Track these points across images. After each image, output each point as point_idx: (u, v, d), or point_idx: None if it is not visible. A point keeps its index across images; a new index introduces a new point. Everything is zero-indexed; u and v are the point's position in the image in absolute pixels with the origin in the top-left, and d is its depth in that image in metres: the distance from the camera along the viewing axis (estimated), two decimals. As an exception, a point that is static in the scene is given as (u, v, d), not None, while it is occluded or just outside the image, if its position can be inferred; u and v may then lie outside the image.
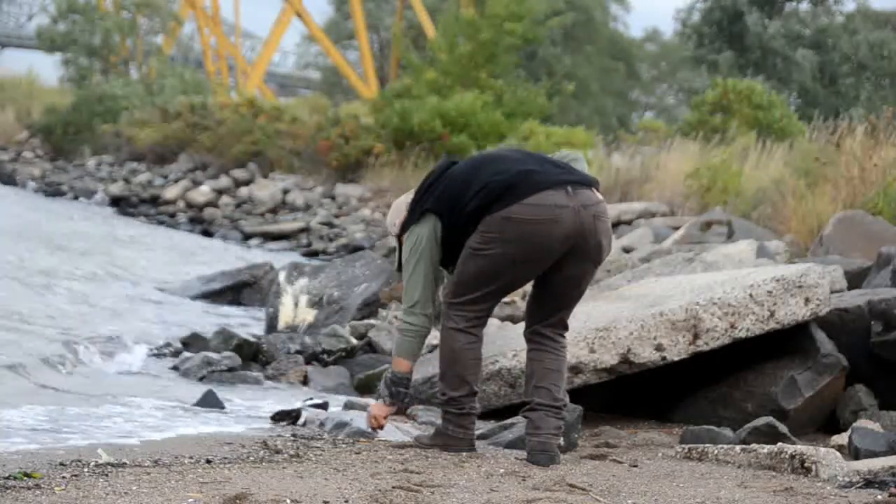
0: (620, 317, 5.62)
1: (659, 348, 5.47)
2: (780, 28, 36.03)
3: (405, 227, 4.70)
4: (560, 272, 4.55)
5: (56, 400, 5.68)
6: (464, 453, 4.66)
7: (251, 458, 4.38)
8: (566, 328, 4.75)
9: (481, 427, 5.24)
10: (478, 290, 4.57)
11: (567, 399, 4.76)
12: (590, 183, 4.58)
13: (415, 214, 4.67)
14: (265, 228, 20.63)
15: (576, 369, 5.47)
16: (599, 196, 4.59)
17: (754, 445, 4.60)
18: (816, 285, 5.58)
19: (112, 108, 31.83)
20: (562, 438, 4.86)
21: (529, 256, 4.46)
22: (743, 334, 5.50)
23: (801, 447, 4.44)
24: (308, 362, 7.31)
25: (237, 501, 3.49)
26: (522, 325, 6.24)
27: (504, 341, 5.93)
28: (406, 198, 4.78)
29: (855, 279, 7.22)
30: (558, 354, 4.69)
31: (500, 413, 5.57)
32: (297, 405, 5.80)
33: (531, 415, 4.63)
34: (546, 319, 4.68)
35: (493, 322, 7.40)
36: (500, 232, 4.45)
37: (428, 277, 4.65)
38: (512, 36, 25.78)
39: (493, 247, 4.47)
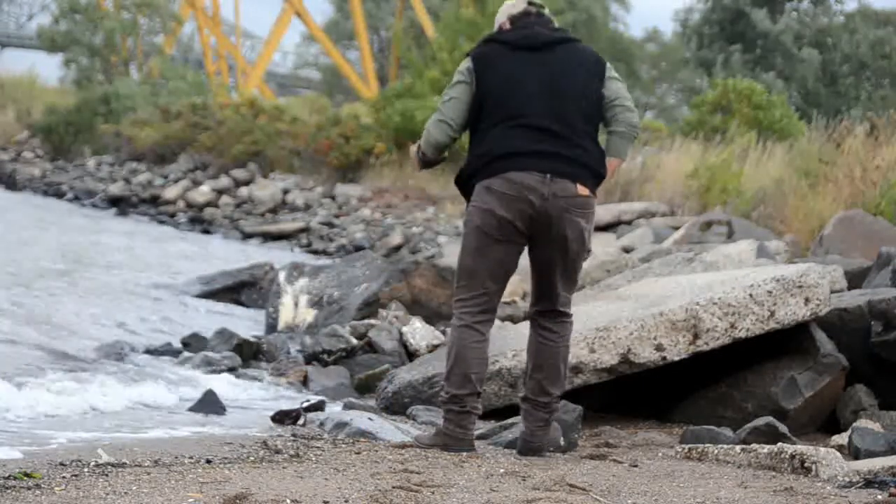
0: (620, 317, 5.62)
1: (659, 348, 5.47)
2: (788, 25, 36.04)
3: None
4: (532, 254, 4.75)
5: (55, 400, 5.68)
6: (464, 453, 4.66)
7: (251, 458, 4.38)
8: (562, 315, 4.79)
9: (481, 427, 5.24)
10: (472, 273, 4.70)
11: (559, 391, 4.77)
12: (578, 177, 4.63)
13: (472, 48, 4.86)
14: (265, 228, 20.63)
15: (576, 369, 5.47)
16: (582, 191, 4.65)
17: (754, 445, 4.60)
18: (816, 285, 5.58)
19: (116, 109, 31.84)
20: (562, 438, 4.87)
21: (497, 230, 4.64)
22: (743, 334, 5.50)
23: (801, 447, 4.44)
24: (308, 362, 7.31)
25: (237, 501, 3.49)
26: (522, 325, 6.26)
27: (504, 341, 5.93)
28: (512, 4, 4.87)
29: (855, 279, 7.22)
30: (553, 345, 4.77)
31: (500, 413, 5.57)
32: (297, 406, 5.80)
33: (522, 405, 4.83)
34: (537, 303, 4.82)
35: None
36: (480, 201, 4.66)
37: (459, 106, 4.73)
38: (512, 36, 25.73)
39: (473, 217, 4.69)
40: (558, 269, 4.73)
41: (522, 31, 4.80)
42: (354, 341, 7.61)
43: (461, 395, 4.70)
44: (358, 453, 4.56)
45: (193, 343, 7.86)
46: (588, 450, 4.96)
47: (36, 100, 38.00)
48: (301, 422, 5.46)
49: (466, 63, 4.76)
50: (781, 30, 35.77)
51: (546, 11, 4.92)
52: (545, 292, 4.78)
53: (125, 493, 3.54)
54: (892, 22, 37.23)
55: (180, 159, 26.89)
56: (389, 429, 5.14)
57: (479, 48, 4.81)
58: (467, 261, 4.72)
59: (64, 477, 3.76)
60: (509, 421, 5.25)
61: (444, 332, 7.64)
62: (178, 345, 7.92)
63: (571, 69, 4.73)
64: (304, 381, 6.97)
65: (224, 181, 24.66)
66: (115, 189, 25.72)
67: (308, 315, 8.68)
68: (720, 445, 4.72)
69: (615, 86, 4.78)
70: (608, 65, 4.81)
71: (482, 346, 4.71)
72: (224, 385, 6.57)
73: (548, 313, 4.79)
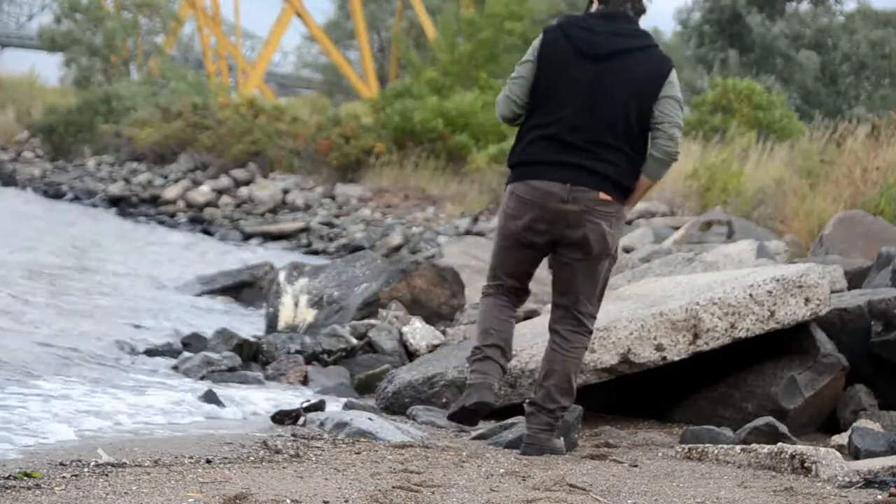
0: (620, 317, 5.62)
1: (659, 348, 5.47)
2: (784, 29, 36.04)
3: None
4: (555, 261, 4.86)
5: (55, 400, 5.68)
6: (468, 449, 4.67)
7: (251, 458, 4.38)
8: (580, 323, 4.83)
9: (481, 427, 5.25)
10: (494, 269, 4.94)
11: (566, 402, 4.79)
12: (599, 186, 4.70)
13: (549, 25, 4.97)
14: (265, 228, 20.63)
15: (576, 369, 5.46)
16: (603, 196, 4.70)
17: (754, 445, 4.60)
18: (816, 285, 5.58)
19: (116, 109, 31.84)
20: (561, 438, 4.87)
21: (515, 235, 4.82)
22: (743, 334, 5.50)
23: (801, 447, 4.44)
24: (308, 362, 7.30)
25: (237, 501, 3.49)
26: (522, 325, 6.27)
27: (504, 341, 5.92)
28: None
29: (855, 279, 7.22)
30: (564, 353, 4.81)
31: (500, 413, 5.56)
32: (297, 406, 5.79)
33: (527, 408, 4.88)
34: (555, 311, 4.88)
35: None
36: (505, 205, 4.89)
37: (525, 85, 4.81)
38: (512, 35, 25.78)
39: (500, 219, 4.94)
40: (580, 272, 4.77)
41: (588, 34, 4.75)
42: (354, 341, 7.60)
43: (481, 346, 4.84)
44: (358, 453, 4.56)
45: (193, 343, 7.86)
46: (588, 450, 4.96)
47: (36, 100, 38.02)
48: (301, 422, 5.46)
49: (536, 42, 4.85)
50: (776, 34, 35.76)
51: None
52: (565, 296, 4.83)
53: (125, 493, 3.54)
54: (892, 22, 37.22)
55: (180, 159, 26.88)
56: (389, 429, 5.14)
57: (551, 31, 4.83)
58: (493, 258, 4.99)
59: (64, 477, 3.76)
60: (509, 421, 5.25)
61: (444, 332, 7.64)
62: (178, 345, 7.92)
63: (620, 87, 4.69)
64: (304, 381, 6.97)
65: (224, 181, 24.65)
66: (115, 189, 25.71)
67: (308, 315, 8.67)
68: (720, 445, 4.72)
69: (667, 107, 4.71)
70: (669, 80, 4.70)
71: (504, 312, 4.88)
72: (224, 385, 6.57)
73: (565, 318, 4.82)
